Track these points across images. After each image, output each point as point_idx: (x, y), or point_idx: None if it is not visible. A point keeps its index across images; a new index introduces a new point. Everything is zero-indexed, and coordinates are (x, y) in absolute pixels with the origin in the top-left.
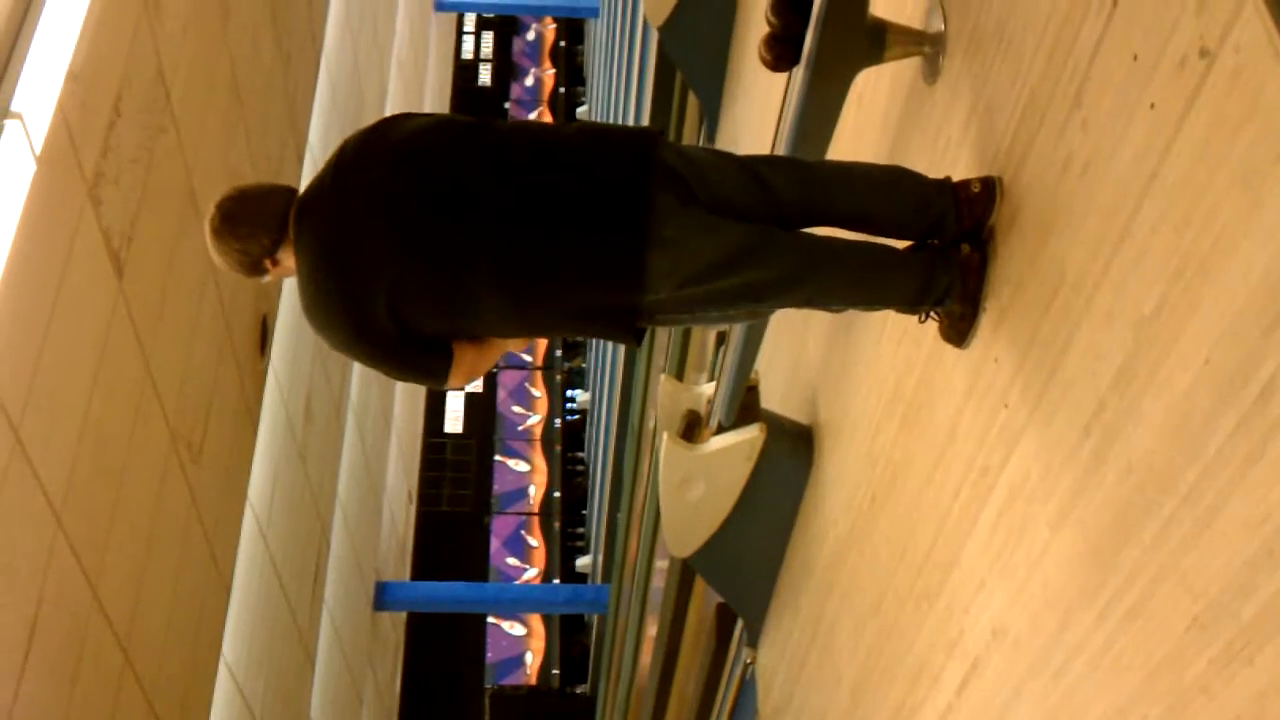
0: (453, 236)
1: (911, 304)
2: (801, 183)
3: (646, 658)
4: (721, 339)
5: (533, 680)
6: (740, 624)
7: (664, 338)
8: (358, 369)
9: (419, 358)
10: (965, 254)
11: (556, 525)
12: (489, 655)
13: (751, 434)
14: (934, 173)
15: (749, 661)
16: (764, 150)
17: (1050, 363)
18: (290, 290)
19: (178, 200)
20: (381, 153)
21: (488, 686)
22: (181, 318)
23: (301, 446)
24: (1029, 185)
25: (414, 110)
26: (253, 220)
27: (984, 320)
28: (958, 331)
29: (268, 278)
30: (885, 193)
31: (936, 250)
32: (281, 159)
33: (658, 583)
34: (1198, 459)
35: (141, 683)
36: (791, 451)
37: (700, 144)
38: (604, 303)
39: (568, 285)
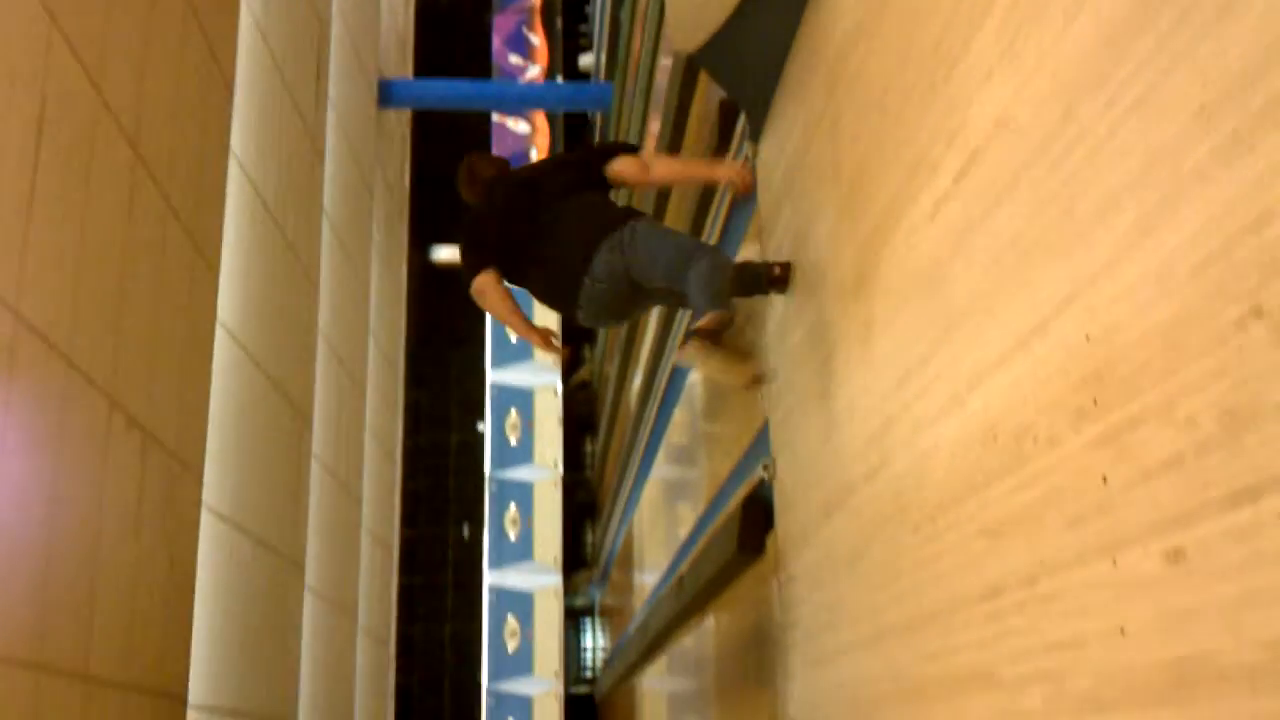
0: (516, 246)
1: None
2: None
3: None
4: None
5: None
6: (743, 118)
7: None
8: None
9: (468, 274)
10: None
11: (559, 22)
12: (494, 151)
13: None
14: None
15: (750, 155)
16: None
17: None
18: None
19: None
20: (508, 185)
21: None
22: None
23: None
24: None
25: None
26: (473, 176)
27: None
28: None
29: None
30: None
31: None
32: None
33: (661, 79)
34: None
35: (154, 177)
36: None
37: None
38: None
39: (548, 291)
